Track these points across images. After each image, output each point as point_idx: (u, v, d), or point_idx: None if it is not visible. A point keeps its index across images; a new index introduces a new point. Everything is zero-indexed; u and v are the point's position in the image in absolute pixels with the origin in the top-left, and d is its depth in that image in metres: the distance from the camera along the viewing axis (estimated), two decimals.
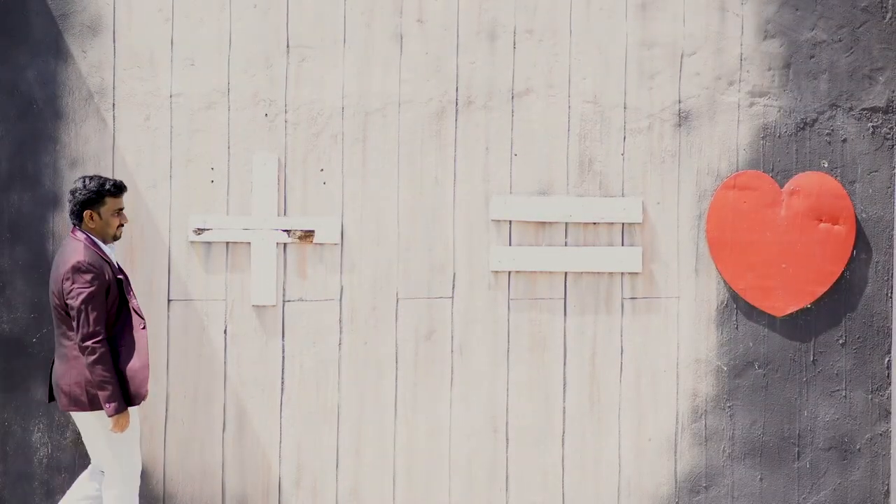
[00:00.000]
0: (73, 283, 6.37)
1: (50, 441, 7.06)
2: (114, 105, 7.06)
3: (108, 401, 6.37)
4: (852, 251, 7.10)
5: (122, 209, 6.56)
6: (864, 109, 7.09)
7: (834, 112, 7.09)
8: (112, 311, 6.47)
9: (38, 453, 7.06)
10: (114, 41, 7.05)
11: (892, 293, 7.10)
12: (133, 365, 6.43)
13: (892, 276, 7.10)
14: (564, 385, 7.12)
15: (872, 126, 7.09)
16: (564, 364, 7.12)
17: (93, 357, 6.35)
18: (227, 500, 7.12)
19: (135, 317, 6.48)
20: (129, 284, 6.59)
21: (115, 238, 6.57)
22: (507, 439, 7.14)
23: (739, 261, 7.03)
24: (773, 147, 7.09)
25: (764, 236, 7.05)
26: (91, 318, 6.37)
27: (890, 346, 7.11)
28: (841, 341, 7.11)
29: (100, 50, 7.04)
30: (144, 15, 7.04)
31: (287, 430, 7.12)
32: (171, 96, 7.08)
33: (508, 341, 7.13)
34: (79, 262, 6.39)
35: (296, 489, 7.11)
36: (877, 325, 7.12)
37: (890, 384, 7.12)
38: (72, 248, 6.45)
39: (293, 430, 7.11)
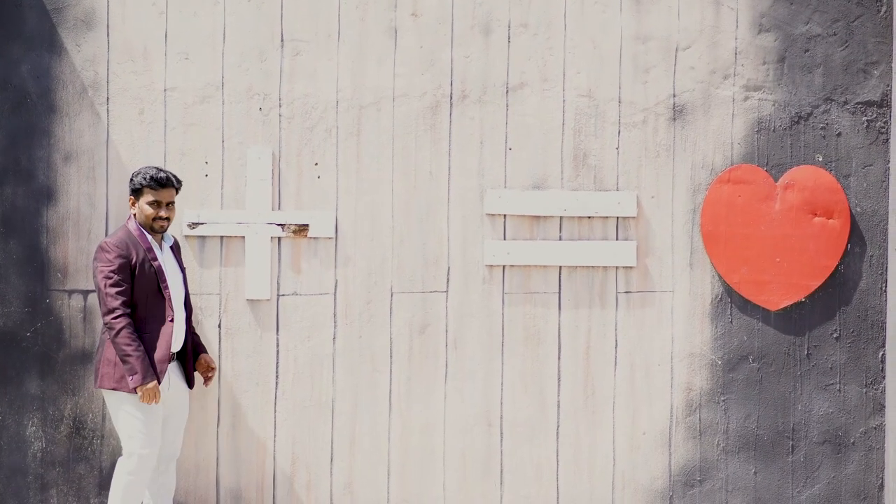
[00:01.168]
0: (96, 262, 6.50)
1: (44, 435, 7.05)
2: (108, 99, 7.05)
3: (131, 373, 6.41)
4: (847, 245, 7.10)
5: (161, 202, 6.56)
6: (858, 103, 7.09)
7: (828, 106, 7.09)
8: (140, 297, 6.50)
9: (31, 447, 7.05)
10: (108, 35, 7.04)
11: (886, 287, 7.10)
12: (153, 356, 6.49)
13: (886, 270, 7.10)
14: (559, 379, 7.12)
15: (867, 120, 7.08)
16: (559, 358, 7.12)
17: (113, 332, 6.43)
18: (221, 494, 7.12)
19: (167, 310, 6.50)
20: (184, 278, 6.70)
21: (154, 230, 6.59)
22: (501, 433, 7.14)
23: (734, 255, 7.04)
24: (768, 141, 7.09)
25: (758, 230, 7.05)
26: (109, 295, 6.44)
27: (884, 339, 7.11)
28: (835, 335, 7.11)
29: (94, 44, 7.03)
30: (138, 9, 7.03)
31: (281, 424, 7.11)
32: (165, 90, 7.07)
33: (503, 335, 7.13)
34: (104, 243, 6.52)
35: (290, 483, 7.11)
36: (871, 318, 7.12)
37: (884, 378, 7.12)
38: (112, 232, 6.67)
39: (287, 424, 7.11)
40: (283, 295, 7.11)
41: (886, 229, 7.09)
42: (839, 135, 7.09)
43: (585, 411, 7.13)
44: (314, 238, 7.09)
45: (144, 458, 6.50)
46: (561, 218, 7.11)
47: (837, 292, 7.11)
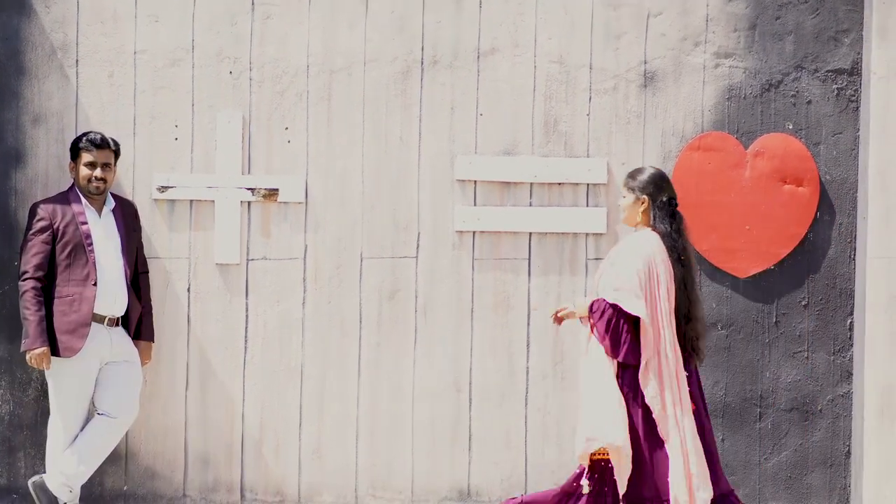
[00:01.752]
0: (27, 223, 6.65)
1: (12, 398, 7.04)
2: (77, 61, 7.03)
3: (24, 336, 6.55)
4: (816, 213, 7.11)
5: (97, 163, 6.62)
6: (829, 71, 7.09)
7: (799, 74, 7.09)
8: (63, 259, 6.56)
9: None
10: None
11: (854, 255, 7.12)
12: (69, 319, 6.56)
13: (854, 238, 7.11)
14: (528, 345, 7.13)
15: (837, 88, 7.09)
16: (528, 324, 7.12)
17: (19, 294, 6.57)
18: (189, 458, 7.12)
19: (90, 273, 6.52)
20: (124, 243, 6.70)
21: (91, 192, 6.64)
22: (470, 399, 7.15)
23: (703, 222, 7.03)
24: (738, 108, 7.09)
25: (728, 198, 7.05)
26: (24, 257, 6.60)
27: (852, 307, 7.12)
28: (804, 303, 7.13)
29: (63, 5, 7.01)
30: None
31: (250, 389, 7.11)
32: (135, 53, 7.05)
33: (472, 301, 7.13)
34: (32, 205, 6.68)
35: (258, 447, 7.11)
36: (840, 286, 7.13)
37: (852, 346, 7.14)
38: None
39: (256, 389, 7.11)
40: (252, 259, 7.10)
41: (855, 197, 7.10)
42: (809, 102, 7.09)
43: (554, 377, 7.13)
44: (284, 203, 7.08)
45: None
46: (531, 184, 7.11)
47: (806, 260, 7.12)
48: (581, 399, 6.19)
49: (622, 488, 6.02)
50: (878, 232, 6.89)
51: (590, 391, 6.12)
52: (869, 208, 6.88)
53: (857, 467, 7.00)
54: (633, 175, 6.28)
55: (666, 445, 6.05)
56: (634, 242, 6.19)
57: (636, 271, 6.07)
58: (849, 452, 7.15)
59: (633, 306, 6.04)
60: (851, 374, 7.14)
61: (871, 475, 6.87)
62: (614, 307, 6.08)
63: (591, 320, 6.15)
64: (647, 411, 6.06)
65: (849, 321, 7.14)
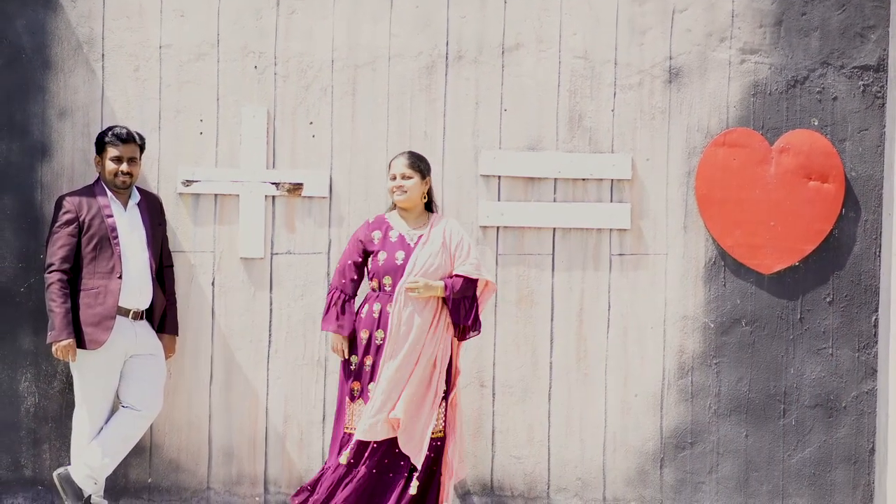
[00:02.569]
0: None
1: (37, 390, 7.08)
2: (103, 55, 7.05)
3: (50, 328, 6.58)
4: (841, 209, 7.09)
5: (122, 157, 6.64)
6: (855, 67, 7.07)
7: (825, 70, 7.07)
8: (89, 252, 6.59)
9: (25, 402, 7.08)
10: None
11: (879, 252, 7.10)
12: (94, 311, 6.58)
13: (880, 235, 7.09)
14: (552, 340, 7.13)
15: (863, 84, 7.06)
16: (552, 319, 7.13)
17: (46, 286, 6.58)
18: (213, 451, 7.14)
19: (115, 266, 6.54)
20: (150, 236, 6.73)
21: (117, 186, 6.67)
22: (493, 393, 7.15)
23: (728, 218, 7.03)
24: (764, 104, 7.07)
25: (753, 194, 7.04)
26: (50, 249, 6.62)
27: (877, 304, 7.11)
28: (828, 299, 7.11)
29: (89, 0, 7.02)
30: None
31: (274, 382, 7.13)
32: (160, 47, 7.06)
33: (496, 296, 7.13)
34: (59, 197, 6.73)
35: (282, 441, 7.13)
36: (864, 283, 7.12)
37: (877, 342, 7.12)
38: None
39: (280, 382, 7.13)
40: (276, 253, 7.11)
41: (881, 194, 7.08)
42: (835, 99, 7.07)
43: (578, 373, 7.14)
44: (308, 197, 7.09)
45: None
46: (555, 180, 7.10)
47: (831, 256, 7.11)
48: None
49: None
50: None
51: None
52: (895, 205, 6.86)
53: (882, 464, 6.98)
54: (419, 158, 6.73)
55: None
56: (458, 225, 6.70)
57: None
58: (873, 449, 7.14)
59: None
60: (876, 371, 7.13)
61: None
62: None
63: None
64: None
65: (874, 318, 7.13)
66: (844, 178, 7.07)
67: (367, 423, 6.53)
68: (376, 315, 6.68)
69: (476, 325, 6.73)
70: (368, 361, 6.68)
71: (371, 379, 6.67)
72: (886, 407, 6.92)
